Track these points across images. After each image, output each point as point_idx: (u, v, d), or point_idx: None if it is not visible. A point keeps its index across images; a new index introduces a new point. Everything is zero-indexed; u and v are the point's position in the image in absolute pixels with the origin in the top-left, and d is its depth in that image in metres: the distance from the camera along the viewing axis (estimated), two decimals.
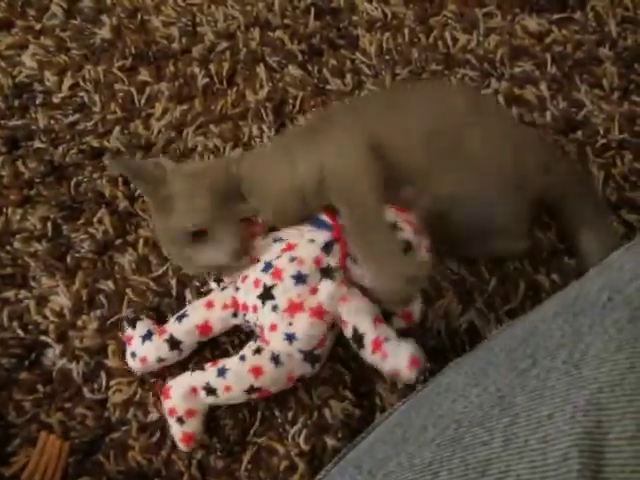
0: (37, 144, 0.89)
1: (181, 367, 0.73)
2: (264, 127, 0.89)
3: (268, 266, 0.68)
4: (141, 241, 0.82)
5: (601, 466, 0.33)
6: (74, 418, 0.73)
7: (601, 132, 0.86)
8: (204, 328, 0.72)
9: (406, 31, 0.96)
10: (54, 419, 0.72)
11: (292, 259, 0.67)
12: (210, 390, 0.67)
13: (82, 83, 0.94)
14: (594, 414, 0.35)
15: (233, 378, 0.67)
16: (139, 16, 0.99)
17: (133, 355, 0.72)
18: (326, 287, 0.66)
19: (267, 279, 0.67)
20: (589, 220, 0.75)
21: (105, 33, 0.97)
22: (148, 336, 0.72)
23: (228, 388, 0.67)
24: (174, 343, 0.71)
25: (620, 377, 0.36)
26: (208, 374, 0.68)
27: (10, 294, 0.80)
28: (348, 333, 0.67)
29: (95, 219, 0.83)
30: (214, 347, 0.75)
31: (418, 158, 0.70)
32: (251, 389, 0.67)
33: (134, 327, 0.73)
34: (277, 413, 0.71)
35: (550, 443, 0.35)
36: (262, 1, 0.99)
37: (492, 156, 0.70)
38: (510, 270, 0.78)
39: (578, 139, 0.86)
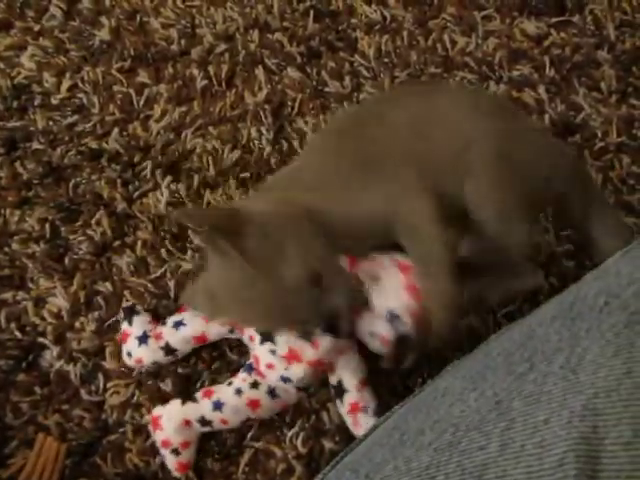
0: (35, 145, 0.89)
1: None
2: (262, 129, 0.89)
3: None
4: (139, 243, 0.82)
5: (597, 471, 0.33)
6: (71, 420, 0.73)
7: (599, 135, 0.86)
8: (200, 339, 0.73)
9: (405, 34, 0.96)
10: (51, 421, 0.73)
11: None
12: (205, 422, 0.67)
13: (81, 84, 0.94)
14: (590, 419, 0.35)
15: (230, 412, 0.67)
16: (138, 18, 0.99)
17: (129, 354, 0.72)
18: (326, 342, 0.65)
19: None
20: (598, 216, 0.74)
21: (104, 35, 0.97)
22: (144, 339, 0.72)
23: (225, 421, 0.68)
24: (170, 350, 0.72)
25: (616, 382, 0.36)
26: (202, 407, 0.68)
27: (8, 295, 0.80)
28: (333, 381, 0.68)
29: (93, 221, 0.83)
30: (213, 348, 0.75)
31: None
32: (247, 419, 0.68)
33: (130, 323, 0.73)
34: (275, 417, 0.72)
35: (546, 448, 0.35)
36: (261, 3, 0.99)
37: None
38: None
39: (576, 142, 0.86)
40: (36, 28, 0.99)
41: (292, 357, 0.65)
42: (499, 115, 0.72)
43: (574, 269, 0.78)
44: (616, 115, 0.87)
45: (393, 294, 0.64)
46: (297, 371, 0.65)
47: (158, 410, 0.69)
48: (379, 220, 0.66)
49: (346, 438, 0.69)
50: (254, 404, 0.67)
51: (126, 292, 0.79)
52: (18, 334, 0.77)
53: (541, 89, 0.90)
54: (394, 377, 0.72)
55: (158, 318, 0.75)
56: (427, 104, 0.72)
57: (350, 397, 0.67)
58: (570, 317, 0.44)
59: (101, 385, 0.74)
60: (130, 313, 0.74)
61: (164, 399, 0.72)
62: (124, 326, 0.74)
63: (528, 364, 0.42)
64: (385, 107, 0.75)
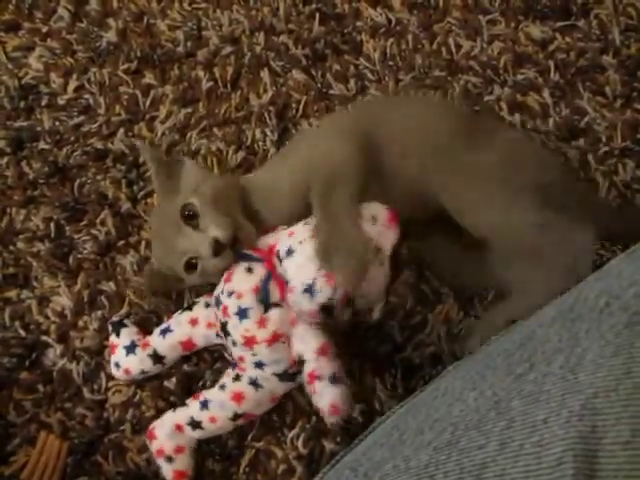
0: (42, 145, 0.90)
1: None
2: (267, 131, 0.89)
3: (217, 301, 0.67)
4: (143, 243, 0.82)
5: (595, 470, 0.33)
6: (73, 418, 0.73)
7: (603, 140, 0.86)
8: (188, 344, 0.73)
9: (410, 37, 0.96)
10: (54, 419, 0.73)
11: (230, 294, 0.65)
12: (195, 424, 0.67)
13: (87, 85, 0.94)
14: (589, 419, 0.35)
15: (216, 408, 0.67)
16: (145, 20, 0.99)
17: (117, 365, 0.73)
18: (275, 314, 0.64)
19: (220, 315, 0.67)
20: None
21: (111, 36, 0.98)
22: (132, 348, 0.72)
23: (213, 419, 0.67)
24: (157, 358, 0.72)
25: (616, 382, 0.36)
26: (191, 409, 0.68)
27: (12, 294, 0.80)
28: (294, 355, 0.65)
29: (98, 220, 0.84)
30: (214, 349, 0.75)
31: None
32: (236, 416, 0.67)
33: (118, 335, 0.74)
34: (275, 417, 0.72)
35: (545, 447, 0.35)
36: (267, 6, 1.00)
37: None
38: None
39: (580, 147, 0.86)
40: (44, 29, 0.99)
41: (249, 342, 0.65)
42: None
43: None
44: (621, 120, 0.87)
45: (305, 265, 0.63)
46: (262, 352, 0.65)
47: (154, 422, 0.70)
48: (301, 179, 0.69)
49: (347, 439, 0.69)
50: (238, 397, 0.67)
51: (129, 291, 0.79)
52: (22, 332, 0.78)
53: (546, 93, 0.90)
54: (395, 379, 0.72)
55: (147, 331, 0.75)
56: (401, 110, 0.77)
57: (308, 367, 0.63)
58: (570, 318, 0.44)
59: (103, 384, 0.75)
60: (118, 326, 0.75)
61: (166, 398, 0.73)
62: (112, 338, 0.74)
63: (528, 364, 0.42)
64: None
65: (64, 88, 0.94)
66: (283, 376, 0.67)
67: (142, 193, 0.86)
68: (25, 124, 0.92)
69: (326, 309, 0.63)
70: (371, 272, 0.63)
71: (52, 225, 0.84)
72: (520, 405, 0.39)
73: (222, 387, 0.68)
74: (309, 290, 0.62)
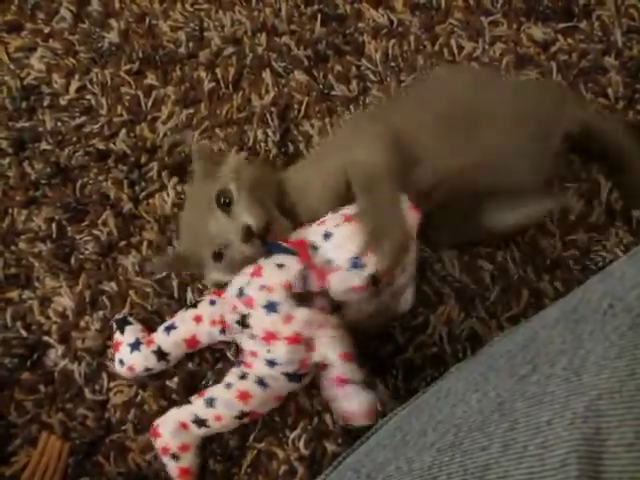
0: (44, 146, 0.90)
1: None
2: (269, 132, 0.89)
3: (240, 292, 0.66)
4: (145, 243, 0.82)
5: (599, 472, 0.33)
6: (75, 419, 0.73)
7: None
8: (192, 342, 0.73)
9: (412, 38, 0.96)
10: (55, 419, 0.73)
11: (261, 287, 0.64)
12: (200, 422, 0.67)
13: (89, 86, 0.94)
14: (593, 420, 0.35)
15: (222, 406, 0.67)
16: (147, 20, 0.99)
17: (121, 362, 0.73)
18: (302, 315, 0.64)
19: (241, 306, 0.66)
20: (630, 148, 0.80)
21: (113, 37, 0.98)
22: (136, 345, 0.72)
23: (218, 417, 0.67)
24: (162, 354, 0.72)
25: (619, 384, 0.36)
26: (196, 406, 0.68)
27: (14, 294, 0.80)
28: (316, 358, 0.65)
29: (99, 221, 0.84)
30: (216, 349, 0.75)
31: (436, 139, 0.70)
32: (242, 414, 0.67)
33: (122, 332, 0.74)
34: (277, 418, 0.72)
35: (549, 449, 0.35)
36: (269, 7, 1.00)
37: (509, 116, 0.72)
38: (513, 278, 0.78)
39: None
40: (46, 30, 1.00)
41: (269, 337, 0.64)
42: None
43: (579, 274, 0.78)
44: (623, 121, 0.87)
45: (346, 243, 0.64)
46: (279, 351, 0.64)
47: (158, 420, 0.69)
48: (337, 177, 0.69)
49: (349, 441, 0.68)
50: (244, 396, 0.66)
51: (131, 292, 0.79)
52: (23, 332, 0.78)
53: None
54: (397, 380, 0.72)
55: (150, 329, 0.75)
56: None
57: (335, 371, 0.64)
58: (574, 319, 0.44)
59: (105, 384, 0.75)
60: (122, 323, 0.75)
61: (168, 398, 0.73)
62: (116, 336, 0.74)
63: (531, 366, 0.42)
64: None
65: (66, 89, 0.94)
66: (292, 377, 0.66)
67: (144, 194, 0.86)
68: (27, 125, 0.92)
69: (375, 281, 0.63)
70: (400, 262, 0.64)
71: (54, 225, 0.84)
72: (523, 407, 0.39)
73: (228, 385, 0.67)
74: (356, 264, 0.62)
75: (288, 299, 0.64)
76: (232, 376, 0.68)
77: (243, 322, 0.66)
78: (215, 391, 0.68)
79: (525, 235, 0.80)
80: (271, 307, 0.63)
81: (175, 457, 0.67)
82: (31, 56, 0.97)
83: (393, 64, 0.94)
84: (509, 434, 0.38)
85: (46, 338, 0.77)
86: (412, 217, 0.66)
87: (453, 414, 0.43)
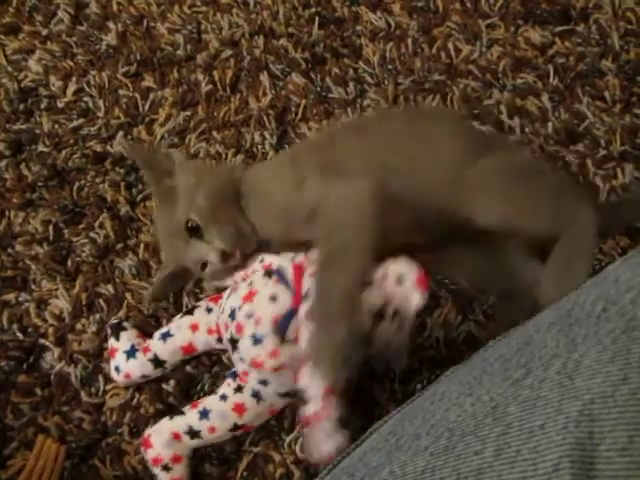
0: (41, 148, 0.90)
1: None
2: (266, 134, 0.89)
3: (233, 315, 0.65)
4: (142, 246, 0.82)
5: (592, 477, 0.33)
6: (71, 422, 0.73)
7: (602, 144, 0.86)
8: (188, 349, 0.72)
9: (409, 41, 0.96)
10: (51, 422, 0.73)
11: (249, 316, 0.63)
12: (194, 433, 0.67)
13: (87, 88, 0.95)
14: (586, 425, 0.35)
15: (217, 418, 0.66)
16: (145, 23, 1.00)
17: (117, 369, 0.72)
18: (287, 350, 0.62)
19: (233, 330, 0.65)
20: None
21: (111, 39, 0.98)
22: (132, 353, 0.72)
23: (212, 429, 0.66)
24: (158, 362, 0.72)
25: (613, 388, 0.36)
26: (189, 418, 0.67)
27: (10, 297, 0.80)
28: (300, 388, 0.62)
29: (96, 223, 0.84)
30: (211, 354, 0.75)
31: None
32: (235, 427, 0.67)
33: (117, 338, 0.73)
34: (273, 422, 0.71)
35: (541, 453, 0.35)
36: (267, 10, 1.00)
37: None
38: None
39: (579, 151, 0.86)
40: (44, 32, 1.00)
41: (257, 364, 0.63)
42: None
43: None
44: (620, 124, 0.87)
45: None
46: (269, 375, 0.64)
47: (149, 430, 0.69)
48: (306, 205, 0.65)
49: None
50: (239, 408, 0.66)
51: (127, 295, 0.79)
52: (20, 335, 0.78)
53: (545, 97, 0.90)
54: (393, 383, 0.72)
55: (145, 334, 0.75)
56: (412, 125, 0.73)
57: (312, 407, 0.60)
58: (568, 323, 0.43)
59: (101, 387, 0.74)
60: (117, 329, 0.74)
61: (164, 401, 0.73)
62: (111, 342, 0.74)
63: (525, 369, 0.42)
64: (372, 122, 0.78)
65: (63, 91, 0.94)
66: (285, 395, 0.67)
67: (141, 196, 0.86)
68: (24, 127, 0.92)
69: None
70: (389, 338, 0.62)
71: (51, 228, 0.84)
72: (517, 411, 0.39)
73: (223, 397, 0.67)
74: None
75: (274, 335, 0.62)
76: (227, 388, 0.67)
77: (234, 345, 0.65)
78: (209, 403, 0.67)
79: None
80: (257, 340, 0.63)
81: (167, 468, 0.67)
82: (29, 58, 0.98)
83: (390, 67, 0.94)
84: (502, 438, 0.37)
85: (42, 341, 0.77)
86: (415, 298, 0.60)
87: (447, 418, 0.43)
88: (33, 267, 0.82)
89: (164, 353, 0.72)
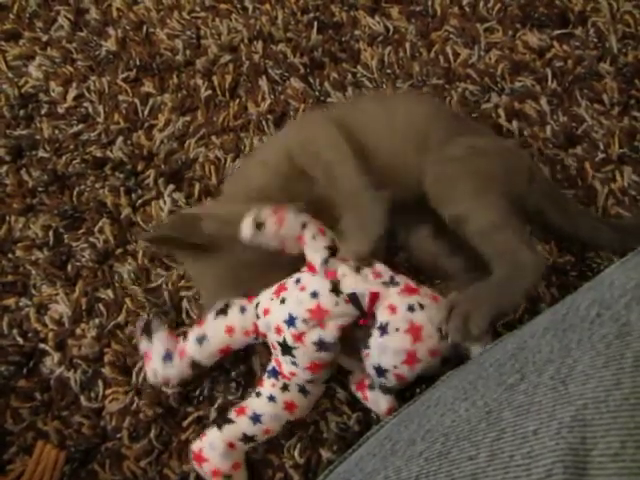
0: (41, 153, 0.90)
1: None
2: (265, 139, 0.89)
3: (291, 322, 0.64)
4: (141, 251, 0.82)
5: None
6: (71, 426, 0.73)
7: (601, 147, 0.86)
8: (225, 351, 0.71)
9: (407, 45, 0.96)
10: (51, 427, 0.73)
11: (315, 325, 0.64)
12: (249, 439, 0.66)
13: (87, 94, 0.95)
14: (579, 430, 0.35)
15: (270, 420, 0.67)
16: (144, 28, 1.00)
17: (155, 374, 0.70)
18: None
19: (289, 337, 0.65)
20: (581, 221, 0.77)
21: (110, 45, 0.98)
22: (168, 358, 0.70)
23: (267, 431, 0.67)
24: (196, 365, 0.70)
25: (605, 393, 0.36)
26: (241, 425, 0.66)
27: (10, 302, 0.81)
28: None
29: (96, 228, 0.84)
30: None
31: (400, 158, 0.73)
32: (287, 423, 0.68)
33: (150, 339, 0.71)
34: None
35: (535, 459, 0.35)
36: (265, 15, 1.00)
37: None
38: None
39: (578, 154, 0.86)
40: (44, 38, 1.00)
41: (315, 367, 0.65)
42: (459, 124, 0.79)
43: (575, 280, 0.78)
44: (618, 127, 0.87)
45: (389, 351, 0.63)
46: (321, 374, 0.67)
47: (197, 444, 0.67)
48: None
49: (344, 448, 0.68)
50: (290, 406, 0.67)
51: (127, 300, 0.79)
52: (20, 340, 0.78)
53: (543, 101, 0.90)
54: None
55: (176, 332, 0.74)
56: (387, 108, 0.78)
57: (355, 376, 0.69)
58: (562, 328, 0.44)
59: (100, 392, 0.75)
60: (148, 330, 0.72)
61: (164, 405, 0.73)
62: (144, 346, 0.71)
63: (519, 375, 0.42)
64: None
65: (64, 97, 0.95)
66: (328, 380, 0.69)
67: (140, 201, 0.86)
68: (25, 132, 0.92)
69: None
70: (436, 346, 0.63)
71: (51, 233, 0.84)
72: (511, 416, 0.39)
73: (272, 398, 0.67)
74: (380, 372, 0.63)
75: (337, 343, 0.65)
76: (273, 389, 0.67)
77: (287, 350, 0.65)
78: (258, 406, 0.67)
79: None
80: (322, 345, 0.64)
81: (228, 477, 0.66)
82: (29, 64, 0.98)
83: (389, 71, 0.95)
84: (496, 444, 0.38)
85: (42, 345, 0.78)
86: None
87: (442, 423, 0.43)
88: (33, 272, 0.82)
89: (202, 357, 0.70)
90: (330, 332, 0.64)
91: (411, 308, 0.63)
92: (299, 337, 0.64)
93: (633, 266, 0.47)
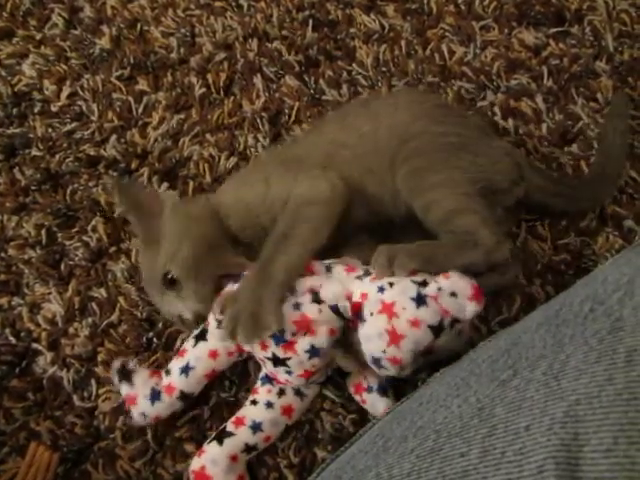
0: (34, 152, 0.90)
1: None
2: (260, 137, 0.89)
3: (279, 339, 0.63)
4: (134, 250, 0.82)
5: (576, 479, 0.33)
6: (63, 426, 0.73)
7: (596, 145, 0.86)
8: (212, 375, 0.70)
9: (403, 43, 0.96)
10: (43, 427, 0.72)
11: (304, 333, 0.63)
12: (250, 449, 0.66)
13: (80, 92, 0.95)
14: (571, 426, 0.35)
15: (270, 427, 0.66)
16: (139, 26, 1.00)
17: (144, 415, 0.68)
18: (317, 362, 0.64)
19: (279, 351, 0.63)
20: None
21: (104, 43, 0.98)
22: (156, 396, 0.68)
23: (268, 438, 0.67)
24: (186, 396, 0.69)
25: (598, 389, 0.36)
26: (241, 436, 0.65)
27: (3, 301, 0.80)
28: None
29: (89, 227, 0.84)
30: None
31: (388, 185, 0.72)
32: (285, 428, 0.68)
33: (131, 383, 0.69)
34: None
35: (526, 455, 0.35)
36: (260, 12, 1.00)
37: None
38: None
39: (573, 152, 0.86)
40: (38, 36, 1.00)
41: (308, 374, 0.65)
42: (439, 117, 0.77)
43: (571, 279, 0.78)
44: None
45: (373, 339, 0.63)
46: (316, 377, 0.67)
47: (196, 462, 0.64)
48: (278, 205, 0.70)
49: (338, 447, 0.67)
50: (288, 410, 0.67)
51: (120, 298, 0.79)
52: (12, 339, 0.78)
53: (539, 99, 0.90)
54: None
55: (155, 368, 0.73)
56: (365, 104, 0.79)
57: (353, 379, 0.69)
58: (555, 324, 0.43)
59: (93, 391, 0.74)
60: (125, 373, 0.69)
61: None
62: (125, 390, 0.69)
63: (512, 371, 0.42)
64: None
65: (57, 95, 0.94)
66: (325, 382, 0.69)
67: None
68: (18, 131, 0.92)
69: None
70: (450, 346, 0.62)
71: (44, 232, 0.84)
72: (503, 412, 0.38)
73: (269, 405, 0.66)
74: (376, 362, 0.62)
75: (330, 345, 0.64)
76: (269, 395, 0.67)
77: (279, 362, 0.64)
78: (256, 415, 0.66)
79: (516, 239, 0.80)
80: (315, 352, 0.63)
81: None
82: (22, 62, 0.98)
83: (384, 69, 0.94)
84: (488, 440, 0.37)
85: (35, 345, 0.77)
86: (470, 309, 0.61)
87: (434, 420, 0.42)
88: (26, 271, 0.82)
89: (190, 387, 0.68)
90: (321, 337, 0.63)
91: (381, 289, 0.62)
92: (289, 346, 0.63)
93: (626, 262, 0.47)
